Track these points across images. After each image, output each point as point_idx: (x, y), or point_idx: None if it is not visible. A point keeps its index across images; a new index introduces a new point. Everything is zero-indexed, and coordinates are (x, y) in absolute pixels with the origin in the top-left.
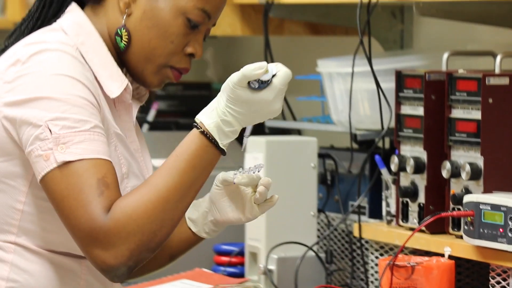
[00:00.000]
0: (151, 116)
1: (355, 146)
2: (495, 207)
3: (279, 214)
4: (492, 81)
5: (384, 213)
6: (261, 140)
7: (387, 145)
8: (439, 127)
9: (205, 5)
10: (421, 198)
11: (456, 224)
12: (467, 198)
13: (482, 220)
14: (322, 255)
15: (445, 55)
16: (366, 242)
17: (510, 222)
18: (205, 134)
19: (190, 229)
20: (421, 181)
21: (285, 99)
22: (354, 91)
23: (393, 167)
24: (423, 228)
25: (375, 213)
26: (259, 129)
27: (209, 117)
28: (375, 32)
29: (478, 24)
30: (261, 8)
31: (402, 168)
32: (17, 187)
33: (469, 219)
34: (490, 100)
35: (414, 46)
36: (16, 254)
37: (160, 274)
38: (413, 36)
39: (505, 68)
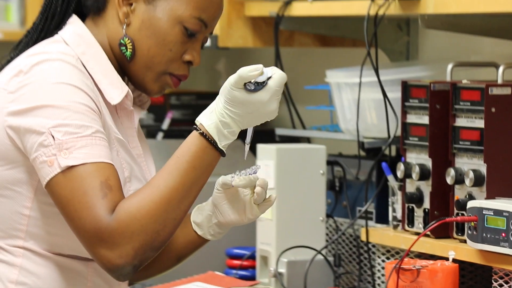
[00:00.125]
0: (165, 125)
1: (362, 153)
2: (498, 213)
3: (289, 219)
4: (495, 91)
5: (390, 218)
6: (272, 148)
7: (393, 153)
8: (444, 136)
9: (201, 14)
10: (426, 204)
11: (460, 229)
12: (470, 204)
13: (485, 225)
14: (331, 258)
15: (450, 66)
16: (373, 246)
17: None
18: (205, 135)
19: (195, 232)
20: (426, 188)
21: (295, 108)
22: (362, 100)
23: (399, 174)
24: (428, 233)
25: (382, 218)
26: (270, 138)
27: (208, 118)
28: (382, 44)
29: (481, 36)
30: (272, 20)
31: (408, 175)
32: (23, 193)
33: (472, 224)
34: (493, 110)
35: (420, 58)
36: (25, 258)
37: (175, 277)
38: (418, 48)
39: (507, 78)
